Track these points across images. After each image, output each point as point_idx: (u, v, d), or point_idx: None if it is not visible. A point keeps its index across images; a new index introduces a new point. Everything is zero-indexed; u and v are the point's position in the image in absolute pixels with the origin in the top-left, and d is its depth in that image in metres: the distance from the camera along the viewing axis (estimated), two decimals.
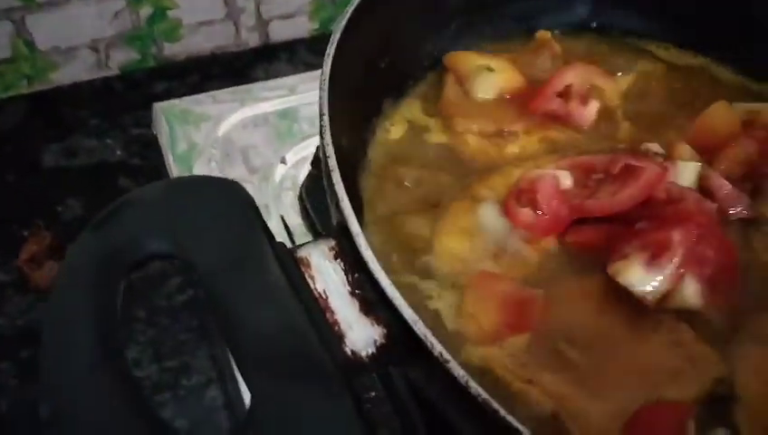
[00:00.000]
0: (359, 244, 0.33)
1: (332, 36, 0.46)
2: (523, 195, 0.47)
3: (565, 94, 0.55)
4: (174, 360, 0.75)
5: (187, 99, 0.63)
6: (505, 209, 0.48)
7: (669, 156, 0.53)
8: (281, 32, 1.15)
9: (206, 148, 0.60)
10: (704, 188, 0.51)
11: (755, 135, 0.52)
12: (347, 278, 0.34)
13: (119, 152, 0.98)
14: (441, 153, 0.54)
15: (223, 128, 0.62)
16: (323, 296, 0.33)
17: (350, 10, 0.47)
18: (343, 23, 0.46)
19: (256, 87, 0.66)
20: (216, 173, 0.58)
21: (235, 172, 0.60)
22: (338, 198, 0.35)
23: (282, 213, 0.60)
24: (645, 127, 0.56)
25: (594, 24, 0.64)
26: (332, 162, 0.36)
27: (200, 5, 1.06)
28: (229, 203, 0.33)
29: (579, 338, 0.43)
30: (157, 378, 0.72)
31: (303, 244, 0.35)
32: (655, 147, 0.53)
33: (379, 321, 0.33)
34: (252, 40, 1.15)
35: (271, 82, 0.66)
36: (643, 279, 0.43)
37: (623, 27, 0.64)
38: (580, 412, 0.39)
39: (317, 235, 0.57)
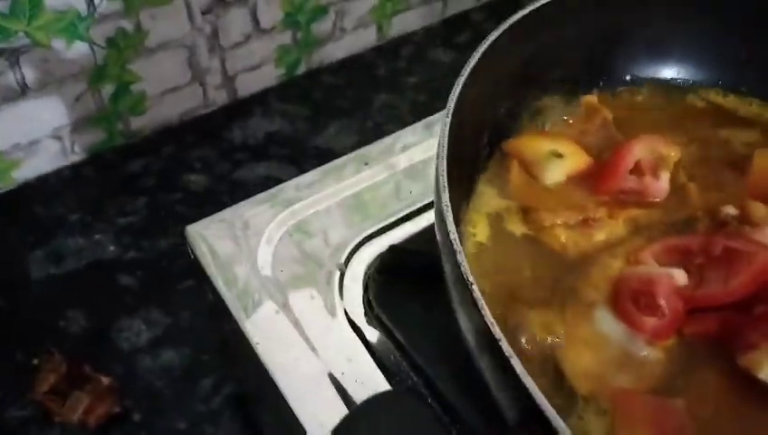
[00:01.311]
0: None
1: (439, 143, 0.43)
2: (640, 298, 0.46)
3: (637, 170, 0.54)
4: None
5: (217, 215, 0.59)
6: (622, 315, 0.46)
7: (746, 217, 0.53)
8: (249, 85, 1.10)
9: (253, 266, 0.56)
10: None
11: None
12: None
13: (111, 248, 0.92)
14: (530, 248, 0.52)
15: (264, 240, 0.58)
16: None
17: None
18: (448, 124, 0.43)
19: (288, 186, 0.62)
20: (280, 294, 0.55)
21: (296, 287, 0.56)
22: (527, 391, 0.32)
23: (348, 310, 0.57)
24: (711, 186, 0.56)
25: (628, 77, 0.63)
26: (506, 347, 0.33)
27: (164, 74, 1.00)
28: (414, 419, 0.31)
29: None
30: None
31: None
32: (731, 209, 0.53)
33: None
34: (219, 98, 1.09)
35: (303, 178, 0.62)
36: None
37: (655, 78, 0.64)
38: None
39: (387, 332, 0.55)
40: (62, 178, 0.99)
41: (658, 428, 0.43)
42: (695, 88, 0.64)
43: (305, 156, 1.03)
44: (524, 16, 0.53)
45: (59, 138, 0.96)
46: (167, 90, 1.02)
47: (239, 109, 1.09)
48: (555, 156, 0.54)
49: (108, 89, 0.96)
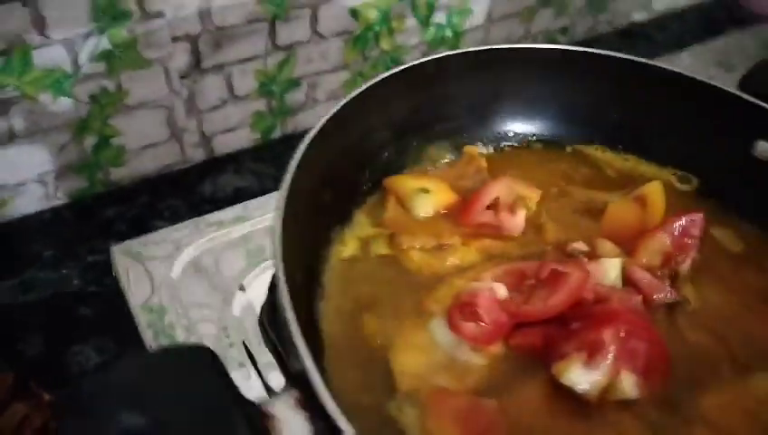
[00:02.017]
0: (320, 396, 0.36)
1: (283, 181, 0.50)
2: (465, 308, 0.52)
3: (494, 206, 0.61)
4: None
5: (142, 239, 0.66)
6: (450, 324, 0.52)
7: (593, 253, 0.58)
8: (225, 145, 1.20)
9: (163, 286, 0.63)
10: (628, 279, 0.56)
11: (668, 229, 0.58)
12: (311, 428, 0.37)
13: (75, 281, 1.00)
14: (389, 267, 0.58)
15: (178, 265, 0.65)
16: None
17: (297, 156, 0.51)
18: (293, 166, 0.50)
19: (206, 219, 0.69)
20: (177, 313, 0.61)
21: (197, 303, 0.62)
22: (297, 350, 0.38)
23: (243, 338, 0.63)
24: (568, 226, 0.62)
25: (510, 133, 0.71)
26: (290, 314, 0.39)
27: (143, 130, 1.10)
28: (199, 371, 0.36)
29: None
30: None
31: (271, 398, 0.38)
32: (580, 245, 0.59)
33: None
34: (197, 155, 1.19)
35: (220, 214, 0.70)
36: (583, 377, 0.48)
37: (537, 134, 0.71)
38: None
39: (280, 359, 0.60)
40: (43, 219, 1.08)
41: (466, 423, 0.47)
42: (572, 143, 0.71)
43: None
44: (405, 70, 0.62)
45: (44, 182, 1.07)
46: (146, 145, 1.12)
47: (214, 166, 1.19)
48: (423, 192, 0.61)
49: (90, 140, 1.07)
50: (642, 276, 0.56)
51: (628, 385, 0.48)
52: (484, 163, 0.66)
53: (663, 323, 0.55)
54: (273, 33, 1.13)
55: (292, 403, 0.38)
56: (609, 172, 0.68)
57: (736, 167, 0.65)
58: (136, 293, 0.63)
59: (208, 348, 0.38)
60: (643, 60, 0.67)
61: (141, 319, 0.61)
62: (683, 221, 0.59)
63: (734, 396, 0.50)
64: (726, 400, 0.50)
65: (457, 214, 0.62)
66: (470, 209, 0.60)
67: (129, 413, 0.34)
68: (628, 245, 0.59)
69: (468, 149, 0.67)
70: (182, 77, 1.09)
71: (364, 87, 0.57)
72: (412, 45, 1.28)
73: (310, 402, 0.37)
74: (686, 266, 0.58)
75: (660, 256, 0.58)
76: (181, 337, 0.60)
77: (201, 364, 0.37)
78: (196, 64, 1.09)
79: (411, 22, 1.26)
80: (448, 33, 1.34)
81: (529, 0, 1.41)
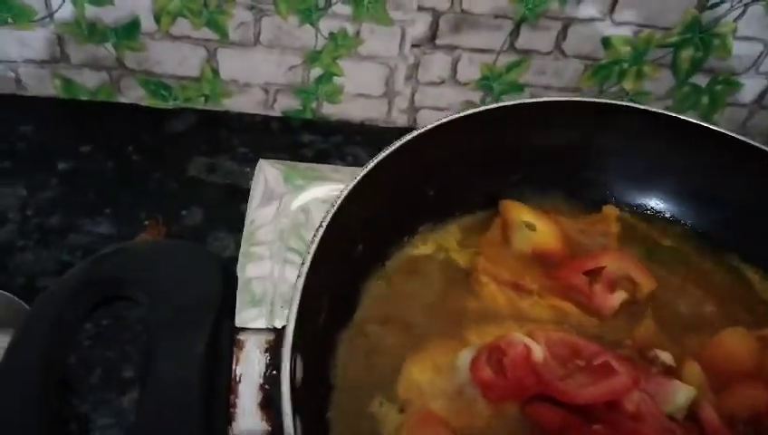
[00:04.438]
0: (285, 345, 0.38)
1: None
2: (494, 353, 0.49)
3: (595, 275, 0.56)
4: None
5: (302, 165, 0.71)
6: (472, 362, 0.50)
7: (675, 371, 0.51)
8: (427, 120, 1.23)
9: (278, 217, 0.67)
10: (695, 416, 0.49)
11: None
12: (265, 372, 0.38)
13: (251, 182, 1.11)
14: (457, 279, 0.57)
15: (299, 202, 0.69)
16: (236, 380, 0.38)
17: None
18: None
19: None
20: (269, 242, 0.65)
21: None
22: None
23: None
24: (668, 332, 0.55)
25: (668, 215, 0.64)
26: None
27: (363, 79, 1.17)
28: (199, 270, 0.40)
29: None
30: None
31: (249, 328, 0.41)
32: (666, 356, 0.52)
33: (269, 419, 0.37)
34: (401, 120, 1.24)
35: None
36: None
37: (700, 229, 0.63)
38: None
39: None
40: (254, 121, 1.22)
41: None
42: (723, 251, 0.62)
43: None
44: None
45: (266, 91, 1.19)
46: (361, 93, 1.19)
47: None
48: (529, 227, 0.58)
49: (316, 71, 1.16)
50: (711, 418, 0.48)
51: None
52: (615, 229, 0.61)
53: None
54: (515, 33, 1.13)
55: (261, 343, 0.40)
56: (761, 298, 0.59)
57: None
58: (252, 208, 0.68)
59: (215, 254, 0.41)
60: None
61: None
62: None
63: None
64: None
65: (555, 265, 0.58)
66: (567, 265, 0.56)
67: (129, 284, 0.39)
68: (724, 383, 0.51)
69: (608, 208, 0.62)
70: (414, 45, 1.13)
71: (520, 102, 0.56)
72: (657, 96, 1.20)
73: (276, 350, 0.39)
74: None
75: (749, 411, 0.49)
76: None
77: (204, 265, 0.40)
78: (432, 38, 1.13)
79: (666, 72, 1.17)
80: (704, 99, 1.23)
81: None
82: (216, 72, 1.16)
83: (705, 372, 0.51)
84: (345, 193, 0.47)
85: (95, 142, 1.13)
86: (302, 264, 0.41)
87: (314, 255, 0.42)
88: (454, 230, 0.60)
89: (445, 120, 0.54)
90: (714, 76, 1.21)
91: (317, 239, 0.43)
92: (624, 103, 0.59)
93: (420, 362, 0.51)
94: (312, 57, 1.14)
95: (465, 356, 0.51)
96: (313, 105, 1.21)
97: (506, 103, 0.57)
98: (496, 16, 1.12)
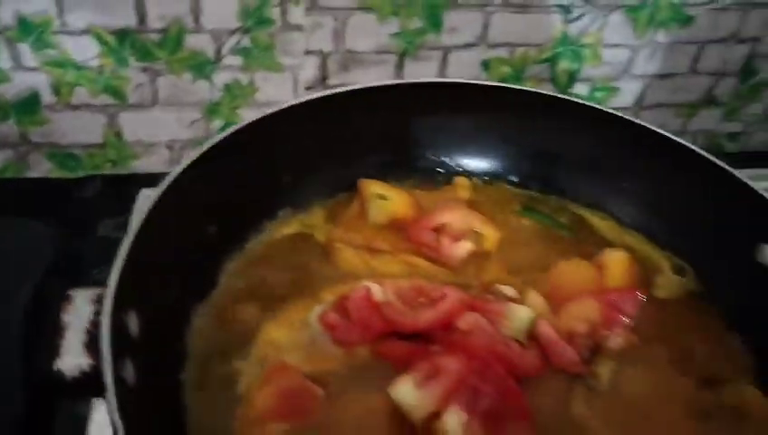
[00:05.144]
0: (106, 297, 0.40)
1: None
2: (341, 302, 0.52)
3: (440, 230, 0.60)
4: None
5: None
6: (322, 312, 0.52)
7: (519, 301, 0.55)
8: None
9: None
10: (534, 334, 0.52)
11: (600, 298, 0.53)
12: (91, 318, 0.41)
13: None
14: (316, 253, 0.60)
15: None
16: (63, 325, 0.40)
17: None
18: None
19: None
20: None
21: None
22: None
23: None
24: (513, 272, 0.59)
25: (514, 178, 0.69)
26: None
27: None
28: (31, 239, 0.42)
29: None
30: None
31: (81, 288, 0.43)
32: (508, 289, 0.56)
33: (91, 355, 0.39)
34: None
35: None
36: (409, 395, 0.46)
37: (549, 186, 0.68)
38: None
39: None
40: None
41: (283, 397, 0.48)
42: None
43: None
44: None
45: (171, 148, 1.23)
46: None
47: None
48: (381, 198, 0.62)
49: (217, 123, 1.21)
50: (546, 334, 0.51)
51: (453, 422, 0.45)
52: (464, 195, 0.65)
53: (553, 387, 0.50)
54: (400, 66, 1.20)
55: (91, 297, 0.42)
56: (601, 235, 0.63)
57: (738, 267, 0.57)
58: None
59: (42, 226, 0.43)
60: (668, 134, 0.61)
61: None
62: (619, 295, 0.53)
63: None
64: None
65: (408, 229, 0.62)
66: (414, 226, 0.60)
67: None
68: (563, 305, 0.54)
69: (459, 179, 0.67)
70: (308, 88, 1.19)
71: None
72: None
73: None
74: (613, 343, 0.52)
75: (585, 324, 0.52)
76: None
77: (31, 236, 0.42)
78: (323, 80, 1.20)
79: (548, 86, 1.25)
80: None
81: (692, 94, 1.31)
82: (119, 135, 1.20)
83: (547, 299, 0.55)
84: (177, 171, 0.51)
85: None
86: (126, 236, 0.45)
87: (141, 228, 0.45)
88: (318, 211, 0.64)
89: (285, 105, 0.59)
90: (593, 84, 1.29)
91: (145, 213, 0.46)
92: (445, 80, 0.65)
93: (276, 322, 0.53)
94: (211, 110, 1.19)
95: (316, 310, 0.53)
96: None
97: (336, 91, 0.61)
98: (379, 52, 1.20)
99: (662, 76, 1.26)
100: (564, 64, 1.23)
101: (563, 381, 0.51)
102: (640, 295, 0.54)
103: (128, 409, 0.36)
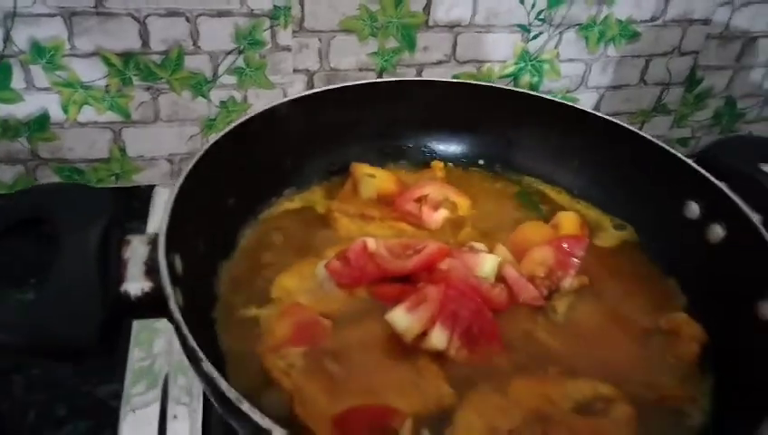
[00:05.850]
0: (159, 242, 0.51)
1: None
2: (342, 254, 0.63)
3: (421, 200, 0.71)
4: None
5: None
6: (327, 262, 0.63)
7: (488, 253, 0.66)
8: None
9: None
10: (500, 277, 0.64)
11: (554, 244, 0.65)
12: (147, 254, 0.51)
13: None
14: (317, 222, 0.71)
15: None
16: (125, 260, 0.51)
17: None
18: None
19: None
20: None
21: None
22: None
23: None
24: (484, 234, 0.71)
25: (480, 161, 0.81)
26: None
27: None
28: (91, 196, 0.53)
29: (345, 358, 0.56)
30: None
31: (136, 234, 0.54)
32: (479, 245, 0.67)
33: (152, 280, 0.50)
34: None
35: None
36: (402, 319, 0.57)
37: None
38: (309, 400, 0.52)
39: None
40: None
41: (298, 327, 0.58)
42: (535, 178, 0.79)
43: None
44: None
45: (172, 162, 1.34)
46: None
47: None
48: (370, 176, 0.74)
49: (214, 138, 1.32)
50: (510, 274, 0.62)
51: (437, 338, 0.56)
52: (439, 174, 0.77)
53: (519, 318, 0.61)
54: None
55: (145, 240, 0.52)
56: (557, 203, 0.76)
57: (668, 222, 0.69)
58: None
59: (106, 191, 0.54)
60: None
61: None
62: (568, 241, 0.64)
63: (544, 386, 0.55)
64: (534, 386, 0.55)
65: (394, 202, 0.73)
66: (400, 198, 0.72)
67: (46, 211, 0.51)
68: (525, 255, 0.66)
69: (435, 163, 0.79)
70: None
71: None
72: None
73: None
74: (567, 283, 0.63)
75: (544, 268, 0.64)
76: None
77: (94, 199, 0.53)
78: None
79: None
80: None
81: (643, 103, 1.44)
82: (123, 150, 1.30)
83: (512, 253, 0.66)
84: (205, 148, 0.62)
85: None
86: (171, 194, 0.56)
87: (178, 194, 0.56)
88: (317, 190, 0.75)
89: (286, 99, 0.70)
90: (553, 97, 1.42)
91: (180, 180, 0.58)
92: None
93: (288, 273, 0.64)
94: (208, 125, 1.30)
95: (322, 264, 0.64)
96: None
97: (330, 87, 0.73)
98: (360, 69, 1.31)
99: (615, 87, 1.40)
100: (526, 78, 1.36)
101: (527, 314, 0.62)
102: (586, 239, 0.66)
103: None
